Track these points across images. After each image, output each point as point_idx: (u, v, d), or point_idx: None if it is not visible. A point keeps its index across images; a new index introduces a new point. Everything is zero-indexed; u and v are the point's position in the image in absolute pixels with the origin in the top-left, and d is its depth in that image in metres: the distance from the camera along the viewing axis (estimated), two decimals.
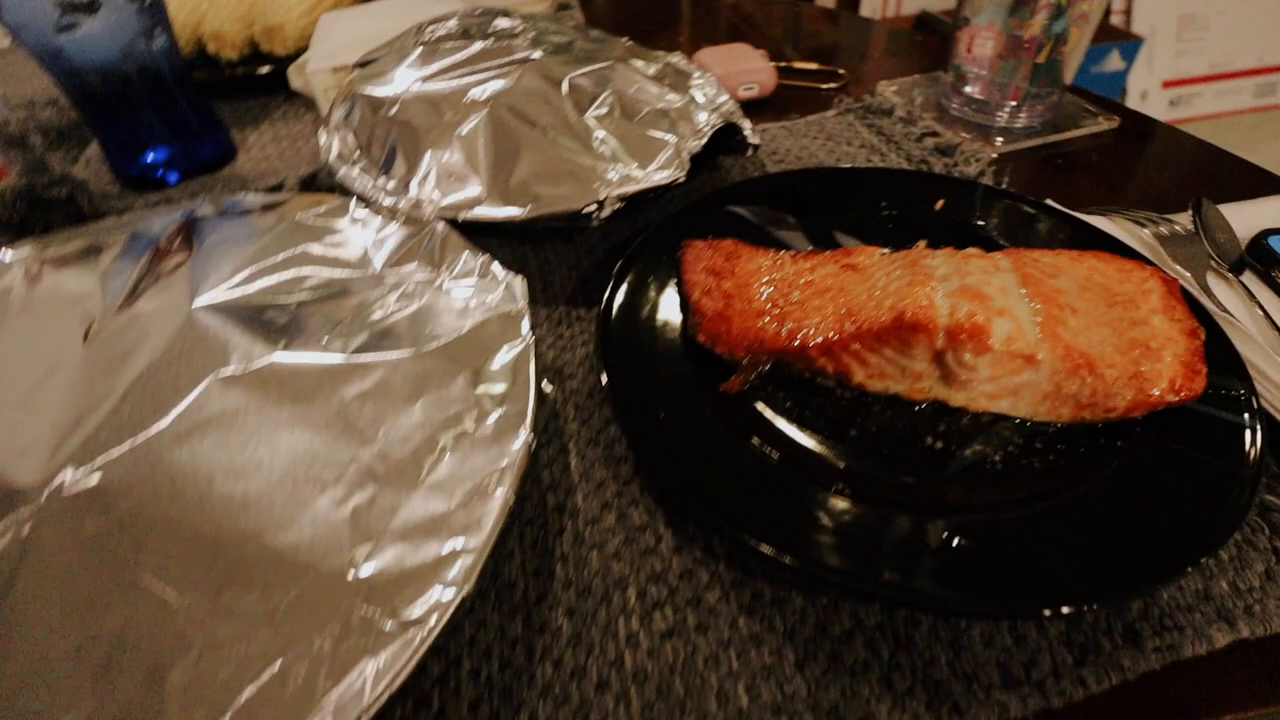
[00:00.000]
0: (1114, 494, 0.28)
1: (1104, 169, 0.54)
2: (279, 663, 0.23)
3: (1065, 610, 0.24)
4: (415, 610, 0.23)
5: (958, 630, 0.26)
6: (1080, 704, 0.25)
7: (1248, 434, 0.29)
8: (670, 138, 0.43)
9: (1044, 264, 0.35)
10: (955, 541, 0.26)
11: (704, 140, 0.44)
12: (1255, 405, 0.30)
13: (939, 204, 0.44)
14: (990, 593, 0.24)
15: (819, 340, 0.33)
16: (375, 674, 0.22)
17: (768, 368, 0.34)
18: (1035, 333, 0.31)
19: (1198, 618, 0.27)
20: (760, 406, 0.33)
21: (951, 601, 0.24)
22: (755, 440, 0.31)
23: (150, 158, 0.52)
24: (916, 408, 0.33)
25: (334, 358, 0.32)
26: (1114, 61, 1.97)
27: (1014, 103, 0.56)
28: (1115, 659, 0.26)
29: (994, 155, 0.55)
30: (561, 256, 0.45)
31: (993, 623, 0.27)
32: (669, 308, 0.37)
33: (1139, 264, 0.35)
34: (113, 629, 0.23)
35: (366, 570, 0.25)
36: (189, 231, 0.41)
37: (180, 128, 0.53)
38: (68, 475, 0.27)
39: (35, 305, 0.38)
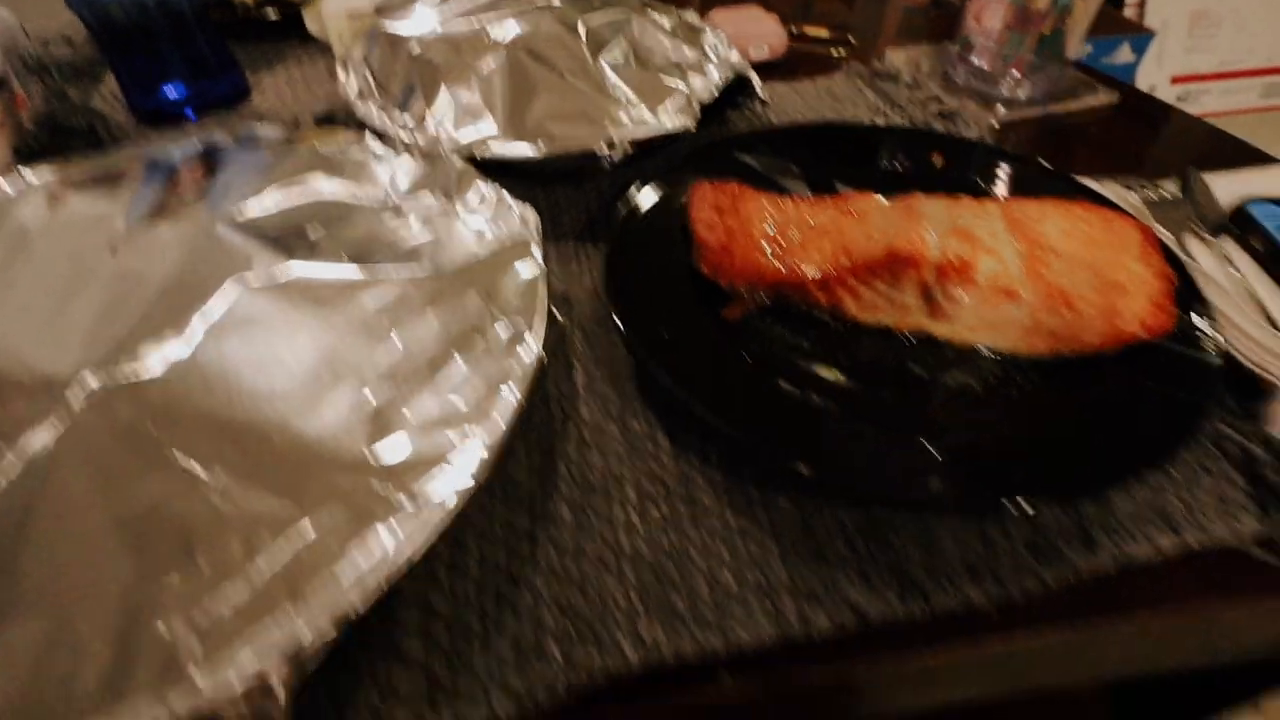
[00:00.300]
0: (1080, 416, 0.30)
1: (1101, 141, 0.56)
2: (305, 533, 0.25)
3: (1022, 503, 0.26)
4: (431, 493, 0.25)
5: (930, 535, 0.29)
6: (1038, 599, 0.27)
7: (1208, 370, 0.31)
8: (682, 86, 0.45)
9: (1030, 211, 0.37)
10: (931, 449, 0.28)
11: (716, 91, 0.46)
12: (1217, 345, 0.32)
13: (938, 159, 0.45)
14: (958, 490, 0.26)
15: (816, 274, 0.35)
16: (395, 548, 0.24)
17: (766, 300, 0.36)
18: (1018, 270, 0.33)
19: (1150, 529, 0.29)
20: (757, 332, 0.35)
21: (922, 496, 0.26)
22: (750, 359, 0.33)
23: (167, 93, 0.54)
24: (904, 339, 0.35)
25: (353, 272, 0.34)
26: (1124, 54, 1.97)
27: (1017, 74, 0.58)
28: (1072, 561, 0.28)
29: (995, 123, 0.57)
30: (571, 200, 0.47)
31: (962, 527, 0.29)
32: (675, 242, 0.39)
33: (1121, 215, 0.37)
34: (147, 503, 0.25)
35: (385, 458, 0.27)
36: (208, 159, 0.43)
37: (197, 64, 0.54)
38: (102, 370, 0.29)
39: (59, 223, 0.39)
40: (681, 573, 0.27)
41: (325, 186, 0.40)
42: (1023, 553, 0.28)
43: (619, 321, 0.33)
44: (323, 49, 0.66)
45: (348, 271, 0.34)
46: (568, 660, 0.24)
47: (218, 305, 0.31)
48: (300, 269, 0.33)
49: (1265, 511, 0.30)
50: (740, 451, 0.31)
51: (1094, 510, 0.30)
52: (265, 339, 0.30)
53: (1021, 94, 0.59)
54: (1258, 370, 0.34)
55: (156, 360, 0.29)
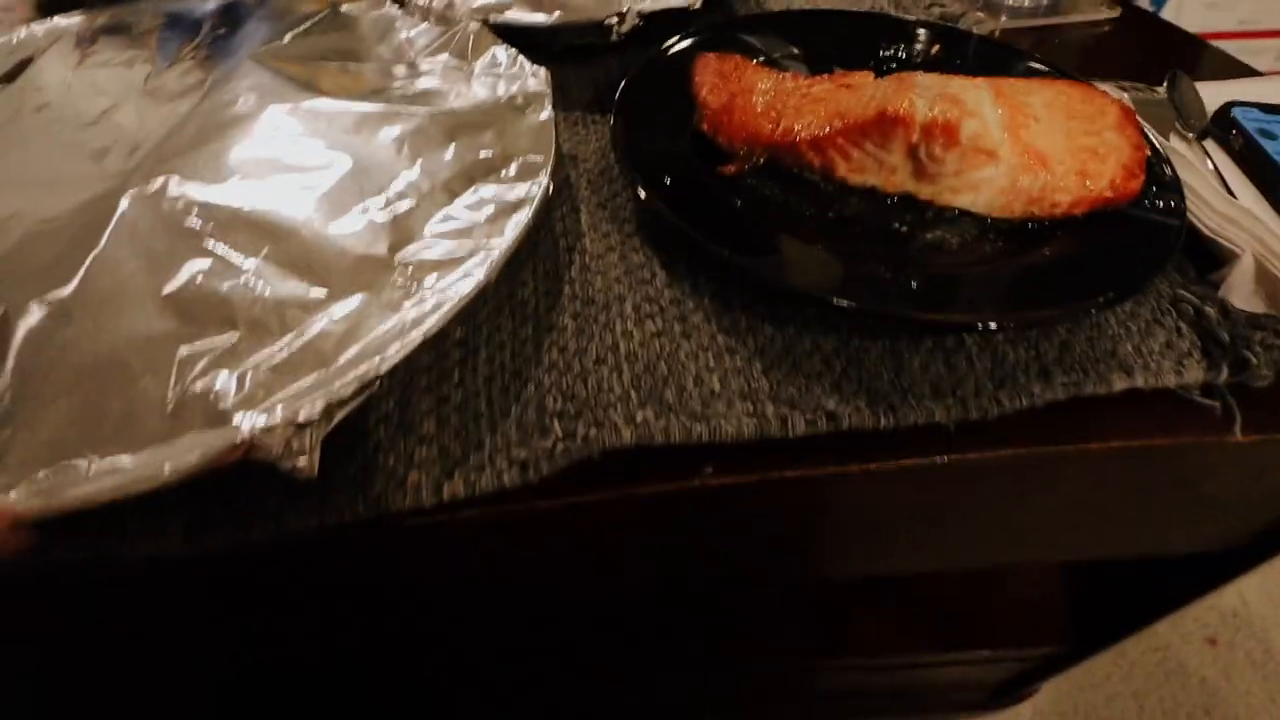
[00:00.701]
0: (1046, 264, 0.33)
1: (1100, 51, 0.57)
2: (333, 312, 0.27)
3: (985, 325, 0.28)
4: (447, 286, 0.28)
5: (900, 357, 0.31)
6: (995, 421, 0.30)
7: (1167, 231, 0.34)
8: None
9: (1017, 85, 0.38)
10: (905, 279, 0.31)
11: None
12: (1179, 210, 0.34)
13: (936, 48, 0.47)
14: (928, 310, 0.29)
15: (809, 135, 0.37)
16: (413, 325, 0.26)
17: (762, 161, 0.39)
18: (1000, 133, 0.35)
19: (1102, 367, 0.32)
20: (752, 185, 0.38)
21: (893, 314, 0.29)
22: (742, 205, 0.35)
23: None
24: (889, 200, 0.37)
25: (375, 107, 0.36)
26: (1142, 4, 1.95)
27: None
28: (1028, 388, 0.31)
29: (996, 31, 0.58)
30: (580, 75, 0.48)
31: (929, 355, 0.31)
32: (678, 110, 0.40)
33: (1103, 92, 0.39)
34: (190, 282, 0.28)
35: (406, 257, 0.29)
36: (230, 11, 0.44)
37: None
38: (148, 174, 0.31)
39: (92, 62, 0.41)
40: (673, 373, 0.29)
41: (346, 41, 0.42)
42: (984, 380, 0.31)
43: (623, 161, 0.35)
44: None
45: (370, 106, 0.35)
46: (568, 434, 0.27)
47: (252, 127, 0.34)
48: (326, 103, 0.35)
49: (1211, 362, 0.33)
50: (729, 278, 0.33)
51: (1052, 350, 0.32)
52: (294, 151, 0.32)
53: (1026, 2, 0.60)
54: (1218, 239, 0.36)
55: (196, 164, 0.31)
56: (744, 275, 0.32)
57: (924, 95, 0.37)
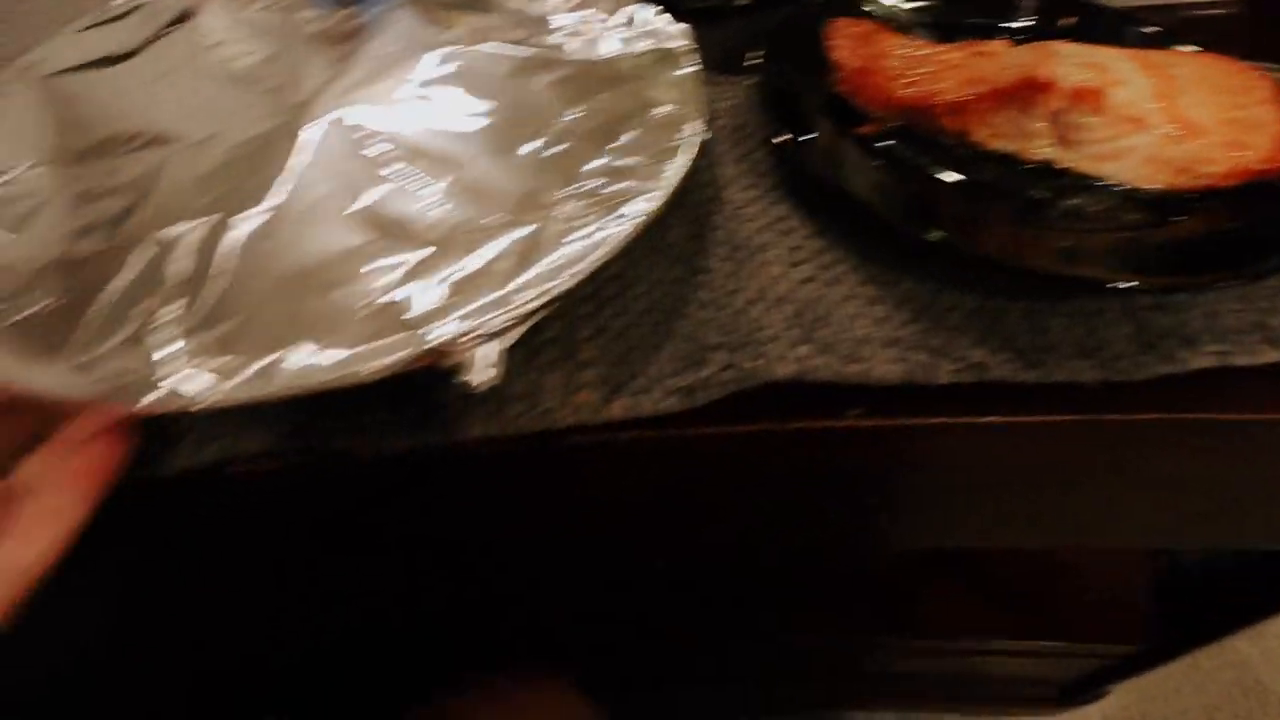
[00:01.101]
0: (1190, 231, 0.33)
1: (1228, 30, 0.56)
2: (516, 234, 0.29)
3: (1124, 285, 0.29)
4: (609, 224, 0.29)
5: (1041, 317, 0.32)
6: (1138, 384, 0.30)
7: None
8: None
9: (1163, 57, 0.38)
10: (1047, 238, 0.31)
11: None
12: None
13: (1071, 20, 0.47)
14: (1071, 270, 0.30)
15: (948, 99, 0.38)
16: (582, 249, 0.28)
17: (898, 123, 0.39)
18: (1148, 101, 0.35)
19: (1248, 340, 0.32)
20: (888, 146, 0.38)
21: (1039, 277, 0.30)
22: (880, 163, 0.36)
23: None
24: (1026, 166, 0.38)
25: (527, 51, 0.37)
26: None
27: None
28: (1174, 354, 0.31)
29: (1133, 5, 0.57)
30: (708, 36, 0.49)
31: (1069, 318, 0.32)
32: (811, 70, 0.41)
33: (1252, 67, 0.38)
34: (378, 202, 0.30)
35: (570, 193, 0.31)
36: None
37: None
38: (326, 107, 0.33)
39: (256, 8, 0.44)
40: (823, 316, 0.30)
41: None
42: (1128, 342, 0.31)
43: (771, 115, 0.36)
44: None
45: (522, 52, 0.37)
46: (729, 365, 0.28)
47: (414, 68, 0.35)
48: (481, 49, 0.37)
49: None
50: (871, 232, 0.34)
51: (1198, 319, 0.32)
52: (456, 96, 0.34)
53: None
54: None
55: (369, 101, 0.33)
56: (889, 231, 0.33)
57: (1068, 63, 0.37)
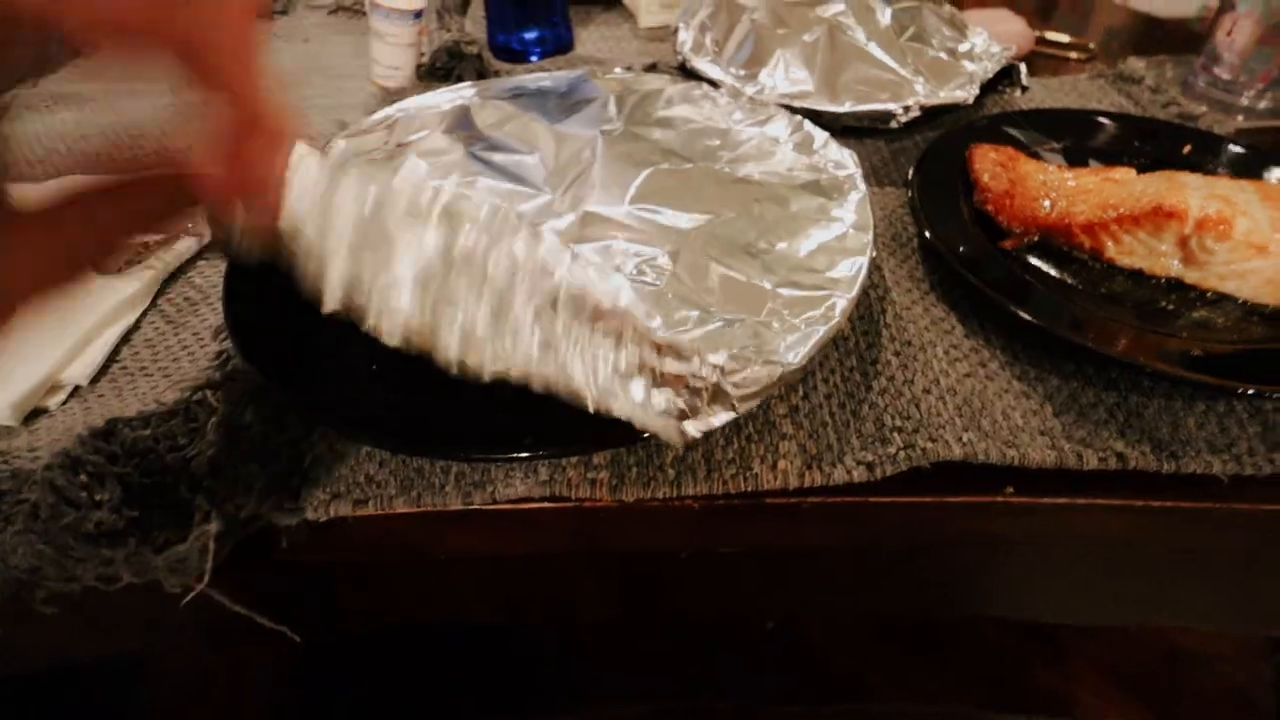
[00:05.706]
0: None
1: None
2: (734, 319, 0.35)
3: (1251, 390, 0.34)
4: (812, 319, 0.36)
5: (1176, 415, 0.37)
6: (1265, 478, 0.35)
7: None
8: (968, 66, 0.53)
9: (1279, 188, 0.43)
10: (1179, 343, 0.37)
11: (988, 75, 0.55)
12: None
13: (1187, 149, 0.52)
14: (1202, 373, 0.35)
15: (1085, 220, 0.43)
16: (791, 342, 0.34)
17: (1035, 239, 0.45)
18: (1270, 231, 0.40)
19: None
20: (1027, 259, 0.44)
21: (1172, 375, 0.35)
22: (1022, 274, 0.42)
23: (525, 35, 0.67)
24: (1154, 281, 0.43)
25: (721, 167, 0.45)
26: None
27: (1263, 85, 0.63)
28: None
29: (1233, 130, 0.62)
30: (860, 150, 0.56)
31: (1203, 415, 0.37)
32: (955, 187, 0.48)
33: None
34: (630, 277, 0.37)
35: (780, 289, 0.37)
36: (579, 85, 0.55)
37: (547, 16, 0.68)
38: (575, 200, 0.41)
39: (490, 122, 0.53)
40: (984, 407, 0.36)
41: (670, 106, 0.51)
42: (1255, 440, 0.36)
43: (926, 231, 0.42)
44: (625, 14, 0.78)
45: (722, 169, 0.45)
46: (908, 445, 0.34)
47: (638, 173, 0.43)
48: (696, 168, 0.45)
49: None
50: (1018, 333, 0.40)
51: None
52: (681, 200, 0.42)
53: (1262, 105, 0.64)
54: None
55: (607, 195, 0.41)
56: (1040, 333, 0.38)
57: (1196, 194, 0.42)
